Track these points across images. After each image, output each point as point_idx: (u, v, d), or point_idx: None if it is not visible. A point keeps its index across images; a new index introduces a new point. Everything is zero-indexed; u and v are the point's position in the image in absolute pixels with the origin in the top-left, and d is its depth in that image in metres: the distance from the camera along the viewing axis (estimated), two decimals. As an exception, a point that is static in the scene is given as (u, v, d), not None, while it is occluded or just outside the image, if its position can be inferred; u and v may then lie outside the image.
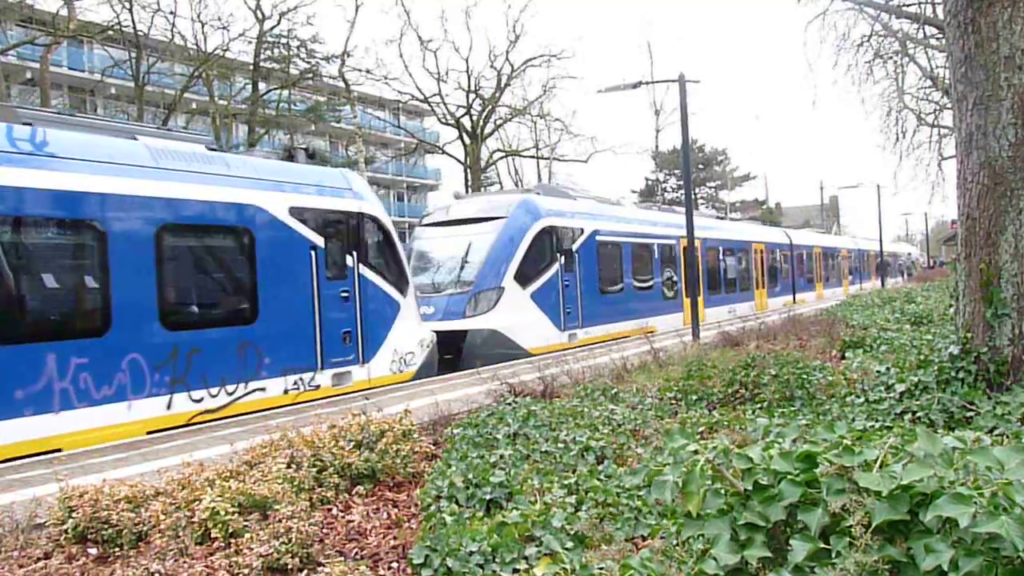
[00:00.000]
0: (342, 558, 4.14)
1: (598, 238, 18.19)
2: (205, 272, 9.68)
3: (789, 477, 2.44)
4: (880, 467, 2.33)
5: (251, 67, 33.92)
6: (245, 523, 4.43)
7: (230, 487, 4.70)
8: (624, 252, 19.45)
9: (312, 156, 12.08)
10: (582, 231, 17.66)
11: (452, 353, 14.40)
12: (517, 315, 15.30)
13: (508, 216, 16.15)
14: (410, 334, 12.24)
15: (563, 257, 16.73)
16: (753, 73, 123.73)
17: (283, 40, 34.56)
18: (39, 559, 4.45)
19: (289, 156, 11.92)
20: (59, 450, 7.59)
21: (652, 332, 18.20)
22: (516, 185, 43.55)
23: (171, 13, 30.96)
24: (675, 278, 21.74)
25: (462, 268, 15.67)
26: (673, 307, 21.47)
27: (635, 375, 9.82)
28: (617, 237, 19.26)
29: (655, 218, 22.37)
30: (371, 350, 11.46)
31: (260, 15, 32.47)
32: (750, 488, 2.47)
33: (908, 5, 20.76)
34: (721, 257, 25.10)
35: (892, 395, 5.68)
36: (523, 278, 15.62)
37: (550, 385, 8.67)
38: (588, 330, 17.30)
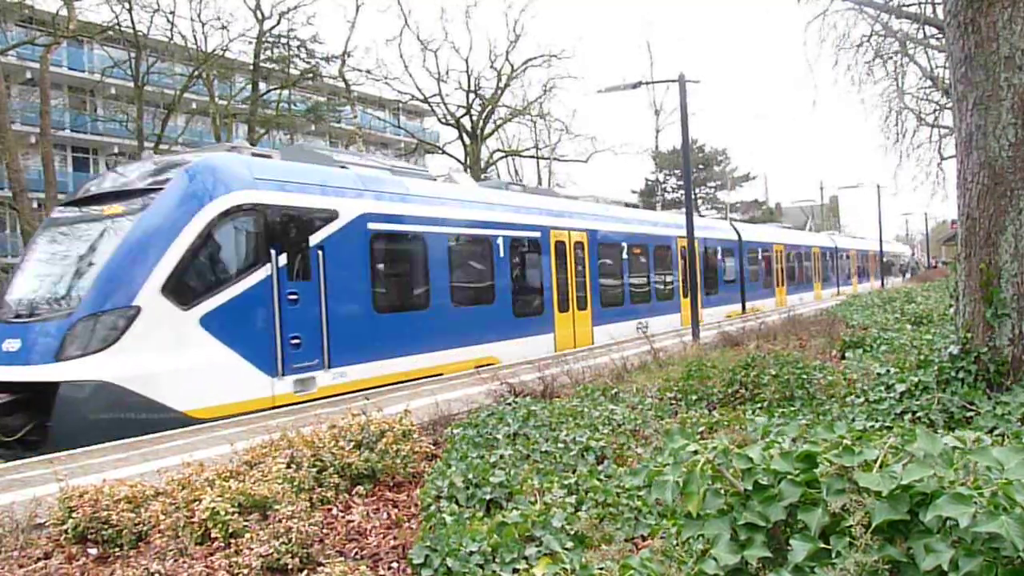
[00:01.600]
0: (342, 558, 4.15)
1: (372, 226, 11.91)
2: None
3: (789, 477, 2.44)
4: (880, 467, 2.33)
5: (251, 67, 33.98)
6: (245, 523, 4.44)
7: (230, 487, 4.72)
8: (431, 249, 13.08)
9: None
10: (336, 215, 11.32)
11: (47, 420, 8.56)
12: (163, 355, 9.10)
13: (165, 188, 9.86)
14: None
15: (287, 255, 10.47)
16: (753, 73, 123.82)
17: (283, 40, 34.63)
18: (39, 559, 4.46)
19: None
20: None
21: (492, 364, 12.96)
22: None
23: (171, 13, 31.03)
24: (540, 287, 15.86)
25: (76, 275, 9.57)
26: (533, 327, 15.34)
27: (635, 375, 9.83)
28: (416, 225, 12.79)
29: (507, 200, 15.68)
30: None
31: (260, 15, 32.52)
32: (750, 488, 2.47)
33: (908, 5, 20.76)
34: (624, 256, 19.24)
35: (892, 395, 5.68)
36: (184, 290, 9.42)
37: (550, 385, 8.68)
38: (345, 370, 11.08)
